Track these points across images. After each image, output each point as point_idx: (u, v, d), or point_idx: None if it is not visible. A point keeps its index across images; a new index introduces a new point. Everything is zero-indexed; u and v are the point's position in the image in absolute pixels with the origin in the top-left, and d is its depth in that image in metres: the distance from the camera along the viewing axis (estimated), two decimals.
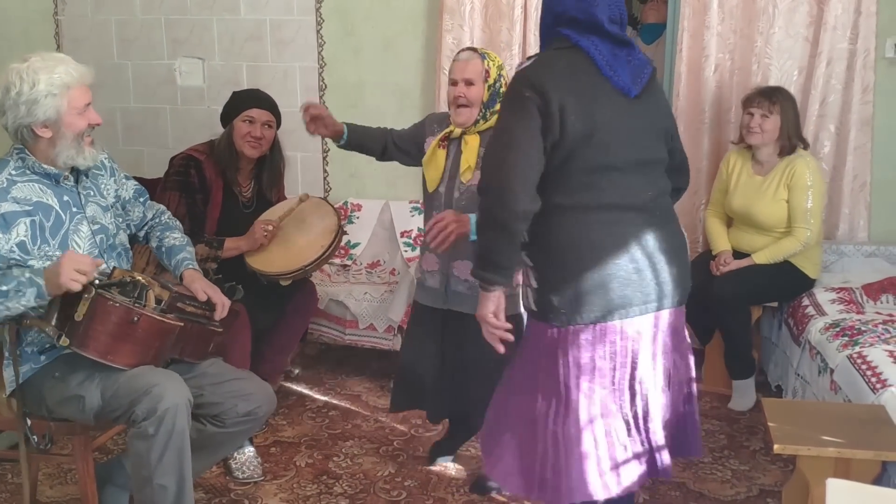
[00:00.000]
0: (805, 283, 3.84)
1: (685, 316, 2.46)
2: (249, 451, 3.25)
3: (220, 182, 3.40)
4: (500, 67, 2.86)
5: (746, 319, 3.79)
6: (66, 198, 2.51)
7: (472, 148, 2.83)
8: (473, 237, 2.58)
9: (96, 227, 2.57)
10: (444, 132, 2.92)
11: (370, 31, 4.35)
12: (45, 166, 2.47)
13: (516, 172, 2.11)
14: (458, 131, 2.88)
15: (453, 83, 2.84)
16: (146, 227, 2.84)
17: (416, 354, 3.09)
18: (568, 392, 2.22)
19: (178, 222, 2.91)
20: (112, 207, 2.67)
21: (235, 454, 3.20)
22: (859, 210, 4.11)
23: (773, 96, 3.70)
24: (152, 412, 2.33)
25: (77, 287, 2.29)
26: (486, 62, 2.82)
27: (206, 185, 3.36)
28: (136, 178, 3.88)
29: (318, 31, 4.38)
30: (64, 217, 2.48)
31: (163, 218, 2.87)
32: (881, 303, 3.59)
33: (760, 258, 3.76)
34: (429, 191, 2.96)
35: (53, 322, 2.33)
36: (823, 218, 4.02)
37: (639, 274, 2.21)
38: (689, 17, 4.04)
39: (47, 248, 2.42)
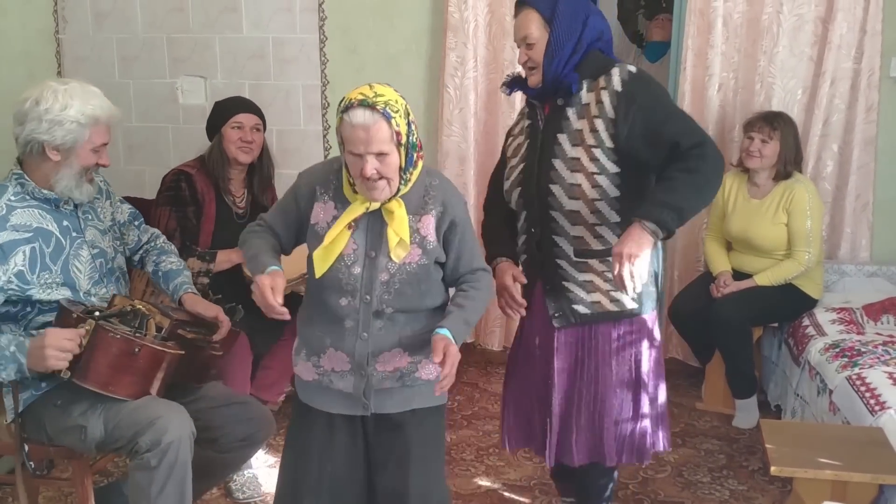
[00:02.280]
0: (807, 304, 3.84)
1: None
2: (250, 472, 3.25)
3: (213, 194, 3.40)
4: (407, 112, 2.13)
5: (748, 340, 3.78)
6: (65, 223, 2.51)
7: (401, 219, 2.18)
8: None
9: (96, 251, 2.57)
10: (353, 213, 2.19)
11: (373, 50, 4.36)
12: (45, 191, 2.47)
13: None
14: (376, 204, 2.19)
15: (356, 155, 2.10)
16: (141, 251, 2.84)
17: (319, 484, 2.34)
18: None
19: (172, 246, 2.92)
20: (110, 230, 2.68)
21: (235, 475, 3.19)
22: (862, 230, 4.11)
23: (774, 122, 3.71)
24: (156, 444, 2.32)
25: (63, 366, 2.29)
26: (392, 122, 2.07)
27: (197, 198, 3.36)
28: (137, 198, 3.93)
29: (321, 50, 4.39)
30: (64, 242, 2.49)
31: (158, 242, 2.87)
32: (881, 323, 3.59)
33: (762, 280, 3.76)
34: (316, 276, 2.24)
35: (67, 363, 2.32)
36: (825, 238, 4.02)
37: None
38: (694, 35, 4.04)
39: (48, 276, 2.42)
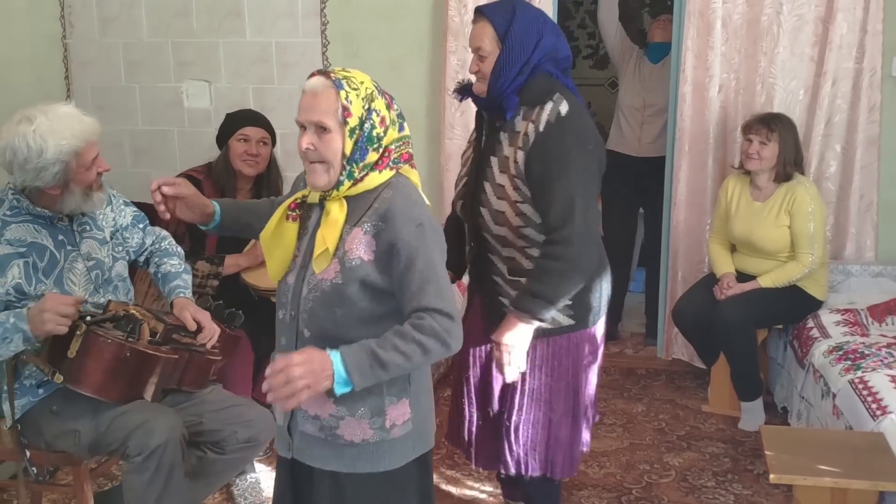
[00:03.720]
0: (812, 305, 3.82)
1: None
2: (252, 476, 3.27)
3: None
4: (371, 98, 1.88)
5: (752, 343, 3.76)
6: (60, 237, 2.52)
7: (333, 223, 1.88)
8: (343, 389, 1.77)
9: (91, 262, 2.58)
10: (295, 196, 1.99)
11: (375, 53, 4.37)
12: (40, 209, 2.48)
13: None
14: (315, 195, 1.95)
15: (300, 126, 1.92)
16: (146, 253, 2.85)
17: None
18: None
19: (179, 248, 2.91)
20: (111, 239, 2.68)
21: (238, 480, 3.22)
22: (866, 230, 4.09)
23: (771, 123, 3.69)
24: (145, 448, 2.35)
25: (63, 330, 2.30)
26: (342, 93, 1.85)
27: None
28: (144, 202, 3.94)
29: (323, 54, 4.41)
30: (58, 256, 2.50)
31: (163, 244, 2.87)
32: (886, 325, 3.57)
33: (766, 282, 3.75)
34: (273, 281, 2.05)
35: (48, 358, 2.35)
36: (829, 238, 4.00)
37: None
38: (694, 37, 4.03)
39: (43, 287, 2.44)
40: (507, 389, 2.55)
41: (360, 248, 1.86)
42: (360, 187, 1.89)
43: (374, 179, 1.90)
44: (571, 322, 2.49)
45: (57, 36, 4.64)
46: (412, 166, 1.98)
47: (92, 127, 2.47)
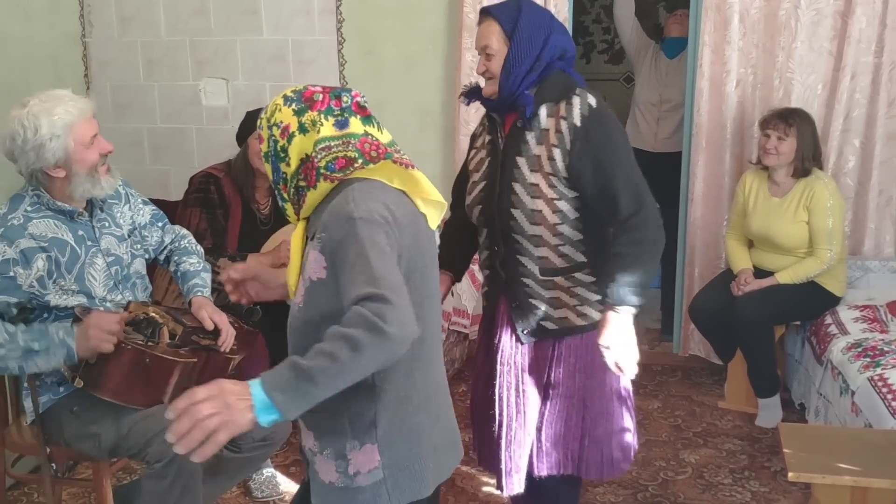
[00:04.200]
0: (830, 302, 3.80)
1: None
2: (268, 471, 3.29)
3: (239, 199, 3.44)
4: (272, 114, 1.83)
5: (770, 339, 3.75)
6: (80, 232, 2.54)
7: (294, 245, 1.85)
8: (269, 417, 1.51)
9: (111, 258, 2.60)
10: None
11: (391, 51, 4.38)
12: (60, 203, 2.50)
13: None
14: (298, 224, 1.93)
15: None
16: (165, 251, 2.86)
17: None
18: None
19: (198, 247, 2.92)
20: (129, 236, 2.70)
21: (254, 474, 3.23)
22: (886, 225, 4.06)
23: (789, 118, 3.67)
24: (165, 454, 2.36)
25: (109, 348, 2.33)
26: (258, 130, 1.92)
27: (225, 201, 3.40)
28: (162, 199, 3.98)
29: (339, 51, 4.41)
30: (79, 251, 2.52)
31: (182, 242, 2.88)
32: None
33: (784, 278, 3.73)
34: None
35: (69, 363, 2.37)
36: (848, 234, 3.97)
37: None
38: (710, 31, 4.01)
39: (63, 282, 2.46)
40: (542, 391, 2.51)
41: (312, 266, 1.72)
42: (307, 207, 1.80)
43: (313, 197, 1.78)
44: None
45: (76, 35, 4.68)
46: (373, 160, 1.76)
47: (83, 104, 2.49)
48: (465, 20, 4.14)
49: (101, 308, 2.51)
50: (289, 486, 3.30)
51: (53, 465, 2.55)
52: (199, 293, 2.72)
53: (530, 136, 2.38)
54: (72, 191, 2.49)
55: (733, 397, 3.99)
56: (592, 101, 2.36)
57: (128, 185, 2.76)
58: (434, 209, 1.87)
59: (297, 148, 1.78)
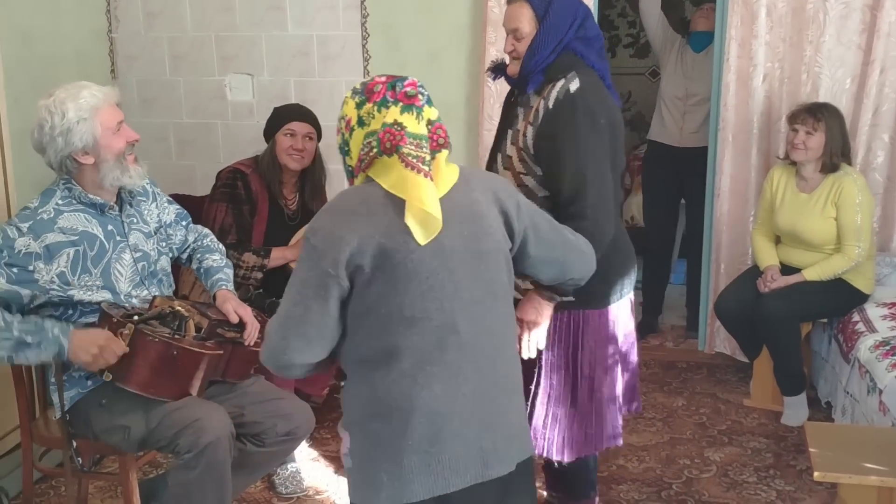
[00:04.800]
0: (858, 299, 3.76)
1: None
2: (293, 466, 3.30)
3: (266, 195, 3.47)
4: (343, 105, 1.90)
5: (796, 336, 3.71)
6: (110, 227, 2.57)
7: None
8: None
9: (138, 254, 2.63)
10: None
11: (415, 45, 4.37)
12: (91, 196, 2.54)
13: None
14: None
15: None
16: (188, 251, 2.90)
17: None
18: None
19: (220, 245, 2.96)
20: (155, 234, 2.73)
21: (279, 469, 3.25)
22: None
23: (818, 113, 3.62)
24: (195, 445, 2.38)
25: (94, 369, 2.40)
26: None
27: (252, 197, 3.43)
28: (187, 194, 4.00)
29: (363, 46, 4.41)
30: (107, 246, 2.55)
31: (205, 241, 2.92)
32: None
33: (811, 274, 3.69)
34: None
35: (102, 372, 2.39)
36: (876, 230, 3.93)
37: None
38: (737, 25, 3.97)
39: (87, 278, 2.49)
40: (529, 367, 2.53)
41: None
42: None
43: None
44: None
45: (103, 31, 4.71)
46: (387, 152, 1.78)
47: (108, 90, 2.55)
48: (490, 14, 4.13)
49: (127, 304, 2.53)
50: (313, 482, 3.32)
51: (80, 458, 2.58)
52: (223, 287, 2.76)
53: (520, 111, 2.48)
54: (101, 178, 2.52)
55: (759, 395, 3.96)
56: (574, 85, 2.39)
57: (154, 185, 2.80)
58: (428, 223, 1.79)
59: (357, 141, 1.82)
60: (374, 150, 1.79)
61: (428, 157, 1.81)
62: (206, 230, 2.99)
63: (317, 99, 4.45)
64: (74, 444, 2.57)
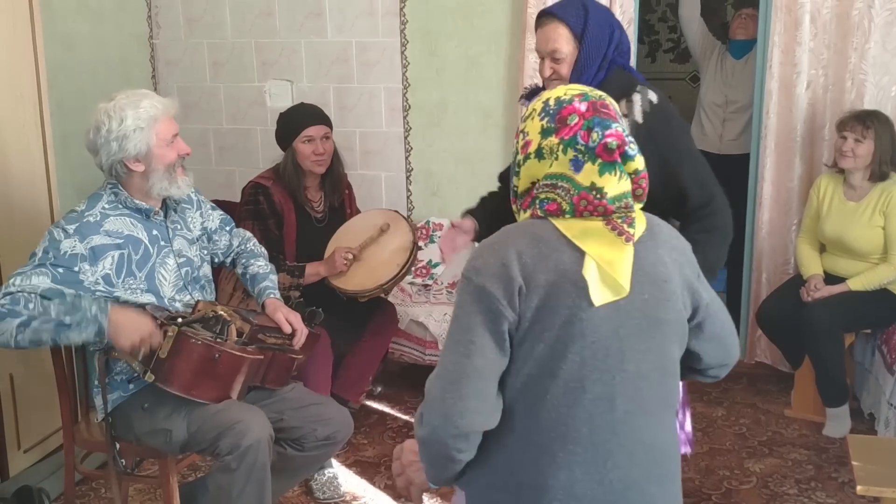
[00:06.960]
0: None
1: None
2: (330, 471, 3.31)
3: (291, 203, 3.48)
4: (528, 117, 1.71)
5: (840, 347, 3.65)
6: (154, 232, 2.61)
7: None
8: None
9: (182, 259, 2.66)
10: None
11: (453, 51, 4.38)
12: (137, 201, 2.57)
13: None
14: None
15: None
16: (232, 255, 2.94)
17: None
18: None
19: (262, 249, 3.00)
20: (198, 240, 2.76)
21: (316, 475, 3.26)
22: None
23: (867, 120, 3.57)
24: (236, 447, 2.40)
25: (129, 350, 2.39)
26: None
27: (276, 209, 3.44)
28: (227, 200, 4.04)
29: (402, 53, 4.43)
30: (152, 250, 2.58)
31: (248, 245, 2.96)
32: None
33: (856, 284, 3.63)
34: None
35: (140, 357, 2.42)
36: None
37: None
38: (780, 32, 3.92)
39: (132, 282, 2.52)
40: None
41: None
42: None
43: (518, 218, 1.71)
44: None
45: (144, 36, 4.77)
46: (580, 216, 1.59)
47: (168, 102, 2.59)
48: (529, 21, 4.11)
49: (171, 308, 2.56)
50: (350, 487, 3.33)
51: (122, 461, 2.61)
52: (272, 295, 2.80)
53: None
54: (149, 187, 2.55)
55: (800, 406, 3.90)
56: (653, 97, 2.36)
57: (198, 193, 2.84)
58: (611, 285, 1.56)
59: (530, 172, 1.65)
60: (565, 207, 1.60)
61: (633, 215, 1.61)
62: (249, 234, 3.02)
63: (356, 105, 4.49)
64: (118, 446, 2.59)
